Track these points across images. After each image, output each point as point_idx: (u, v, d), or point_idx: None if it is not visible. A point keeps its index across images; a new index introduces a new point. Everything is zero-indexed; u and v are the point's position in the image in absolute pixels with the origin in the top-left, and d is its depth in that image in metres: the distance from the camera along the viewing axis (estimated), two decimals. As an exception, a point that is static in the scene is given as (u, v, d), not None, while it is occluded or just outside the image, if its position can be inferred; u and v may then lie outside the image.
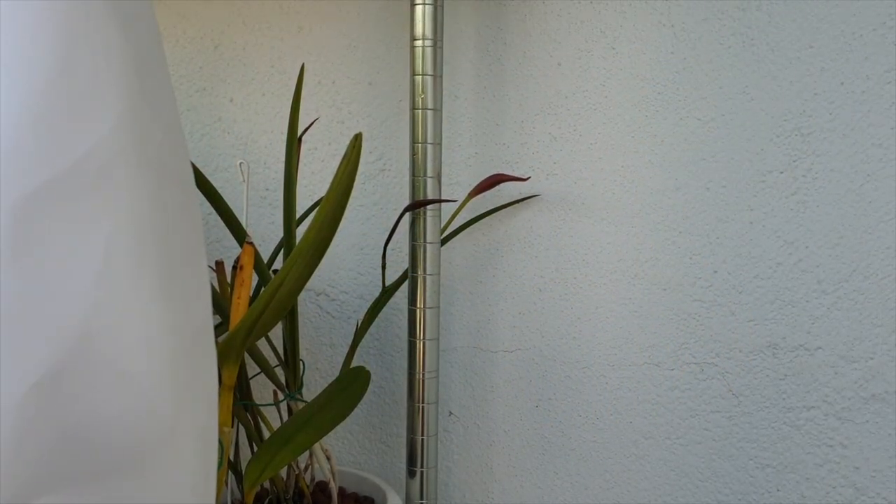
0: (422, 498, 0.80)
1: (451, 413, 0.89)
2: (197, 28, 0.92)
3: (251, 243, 0.66)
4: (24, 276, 0.31)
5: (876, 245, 0.76)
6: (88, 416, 0.33)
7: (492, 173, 0.85)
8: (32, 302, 0.31)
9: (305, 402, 0.74)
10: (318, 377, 0.93)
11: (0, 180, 0.30)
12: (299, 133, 0.73)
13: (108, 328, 0.33)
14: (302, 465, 0.78)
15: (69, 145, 0.32)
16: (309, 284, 0.90)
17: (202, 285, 0.40)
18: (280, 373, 0.81)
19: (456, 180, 0.87)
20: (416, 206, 0.77)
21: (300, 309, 0.92)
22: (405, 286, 0.80)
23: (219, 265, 0.73)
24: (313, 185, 0.91)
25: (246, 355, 0.73)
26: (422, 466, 0.79)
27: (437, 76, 0.77)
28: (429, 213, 0.77)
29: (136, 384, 0.34)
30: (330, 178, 0.88)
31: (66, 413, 0.32)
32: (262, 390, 0.89)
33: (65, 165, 0.32)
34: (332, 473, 0.76)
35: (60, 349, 0.32)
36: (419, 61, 0.76)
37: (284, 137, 0.89)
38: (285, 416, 0.78)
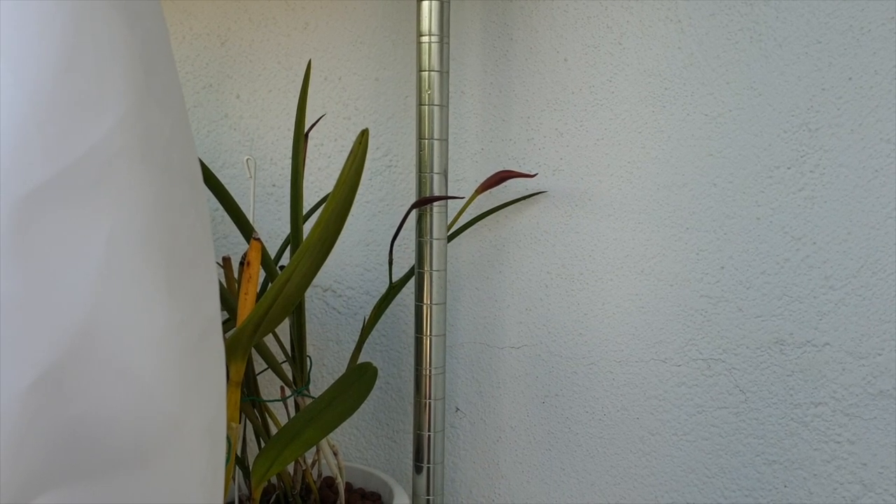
0: (428, 494, 0.80)
1: (457, 409, 0.89)
2: (203, 25, 0.92)
3: (258, 239, 0.66)
4: (25, 273, 0.31)
5: (884, 241, 0.75)
6: (91, 413, 0.33)
7: (498, 169, 0.85)
8: (34, 298, 0.31)
9: (312, 398, 0.74)
10: (324, 373, 0.93)
11: (2, 177, 0.31)
12: (306, 129, 0.73)
13: (110, 325, 0.33)
14: (309, 461, 0.78)
15: (72, 142, 0.32)
16: (316, 280, 0.91)
17: (210, 282, 0.40)
18: (287, 369, 0.81)
19: (462, 176, 0.87)
20: (423, 202, 0.77)
21: (307, 305, 0.92)
22: (412, 282, 0.80)
23: (226, 261, 0.73)
24: (320, 181, 0.91)
25: (253, 351, 0.73)
26: (428, 462, 0.80)
27: (444, 72, 0.76)
28: (435, 209, 0.77)
29: (139, 381, 0.34)
30: (336, 175, 0.88)
31: (68, 410, 0.32)
32: (269, 386, 0.89)
33: (68, 162, 0.32)
34: (339, 469, 0.76)
35: (62, 346, 0.32)
36: (425, 57, 0.76)
37: (291, 134, 0.89)
38: (292, 412, 0.78)
